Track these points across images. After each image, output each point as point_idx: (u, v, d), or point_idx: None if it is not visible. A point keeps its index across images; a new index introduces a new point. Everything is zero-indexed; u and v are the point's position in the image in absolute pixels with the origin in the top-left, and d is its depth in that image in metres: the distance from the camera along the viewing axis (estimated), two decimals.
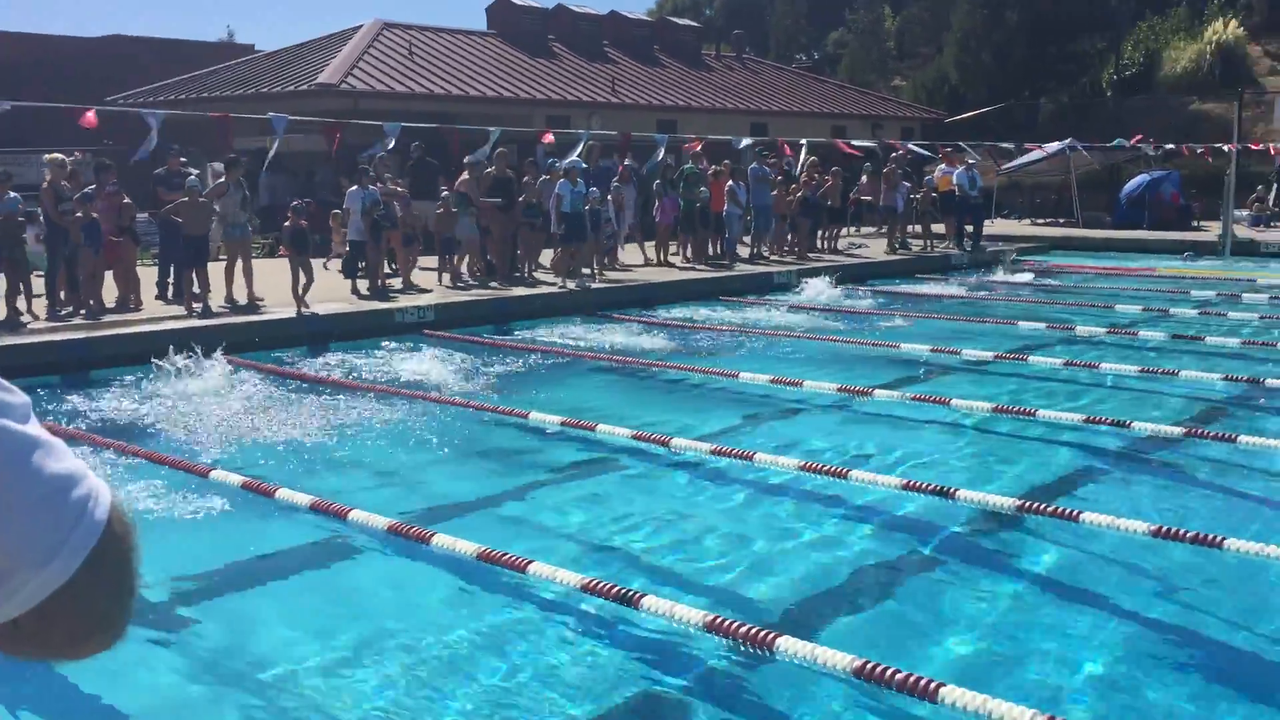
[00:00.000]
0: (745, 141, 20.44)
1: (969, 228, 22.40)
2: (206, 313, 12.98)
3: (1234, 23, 39.39)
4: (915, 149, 24.30)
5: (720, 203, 19.57)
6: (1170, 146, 26.89)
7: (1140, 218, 26.49)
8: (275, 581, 5.96)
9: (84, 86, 26.32)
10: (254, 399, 9.87)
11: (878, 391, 9.70)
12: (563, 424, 8.58)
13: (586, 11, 32.94)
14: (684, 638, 4.87)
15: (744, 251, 20.32)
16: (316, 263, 14.39)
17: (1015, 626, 5.20)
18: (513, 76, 27.37)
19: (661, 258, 19.52)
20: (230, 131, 15.29)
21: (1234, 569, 5.65)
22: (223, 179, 14.21)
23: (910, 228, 23.08)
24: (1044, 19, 37.75)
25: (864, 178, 23.36)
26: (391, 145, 15.85)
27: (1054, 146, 27.72)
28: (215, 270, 13.82)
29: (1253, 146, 26.27)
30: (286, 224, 13.80)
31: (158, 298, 14.38)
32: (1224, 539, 5.44)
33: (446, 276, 16.01)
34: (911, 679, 3.95)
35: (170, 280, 14.60)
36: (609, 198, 18.12)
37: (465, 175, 16.22)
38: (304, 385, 10.45)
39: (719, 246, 20.14)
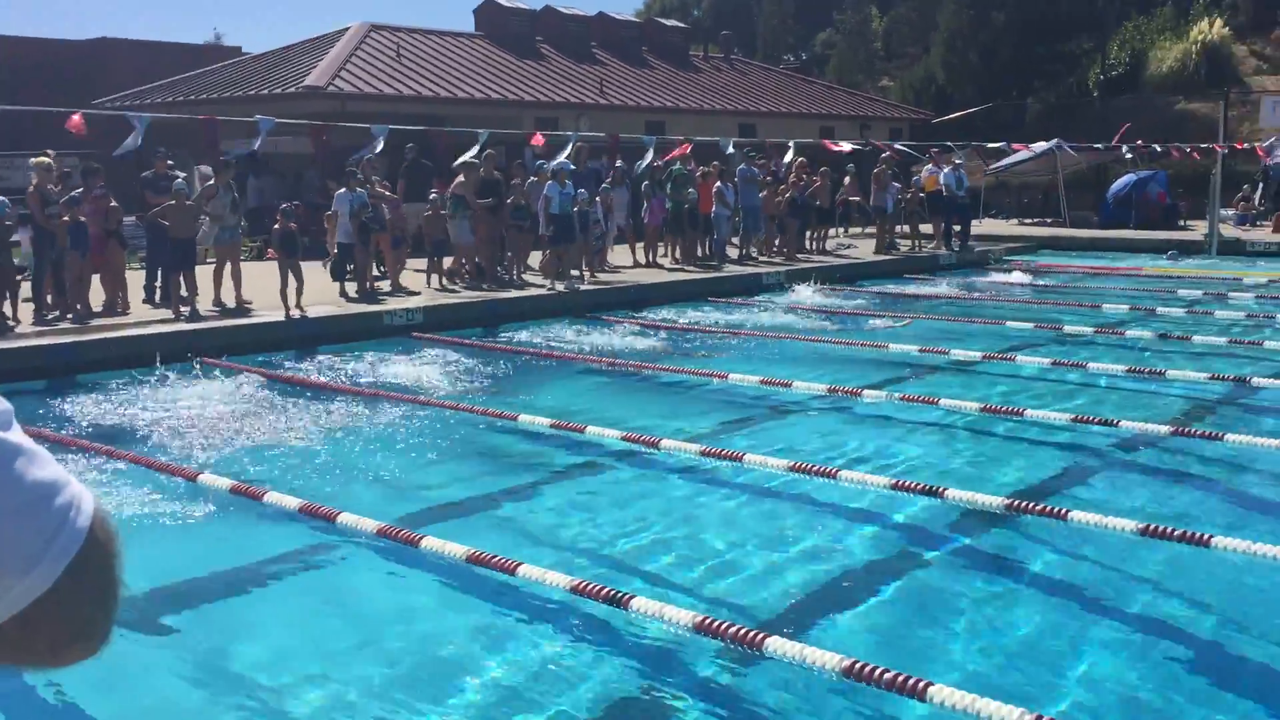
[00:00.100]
0: (731, 149, 20.41)
1: (956, 228, 22.46)
2: (194, 316, 12.94)
3: (1219, 22, 39.57)
4: (902, 149, 24.33)
5: (708, 204, 19.59)
6: (1157, 148, 26.96)
7: (1127, 217, 26.60)
8: (264, 585, 5.95)
9: (71, 89, 26.23)
10: (242, 403, 9.84)
11: (867, 392, 9.72)
12: (552, 426, 8.58)
13: (574, 13, 32.93)
14: (674, 639, 4.88)
15: (732, 253, 20.34)
16: (314, 264, 14.34)
17: (1004, 625, 5.22)
18: (501, 78, 27.35)
19: (650, 259, 19.52)
20: (217, 134, 15.24)
21: (1222, 567, 5.67)
22: (211, 181, 14.17)
23: (898, 228, 23.12)
24: (1031, 19, 37.86)
25: (846, 179, 23.38)
26: (379, 148, 15.81)
27: (1041, 146, 27.81)
28: (203, 273, 13.79)
29: (1238, 146, 26.39)
30: (276, 227, 13.76)
31: (145, 301, 14.33)
32: (1211, 537, 5.47)
33: (435, 279, 15.99)
34: (900, 678, 3.96)
35: (158, 284, 14.56)
36: (597, 199, 18.12)
37: (461, 178, 16.20)
38: (292, 388, 10.42)
39: (707, 248, 20.16)
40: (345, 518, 6.15)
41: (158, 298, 14.39)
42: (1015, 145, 27.50)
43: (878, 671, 4.02)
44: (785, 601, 5.51)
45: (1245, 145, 26.96)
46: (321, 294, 14.09)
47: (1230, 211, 26.72)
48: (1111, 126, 31.71)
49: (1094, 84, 40.19)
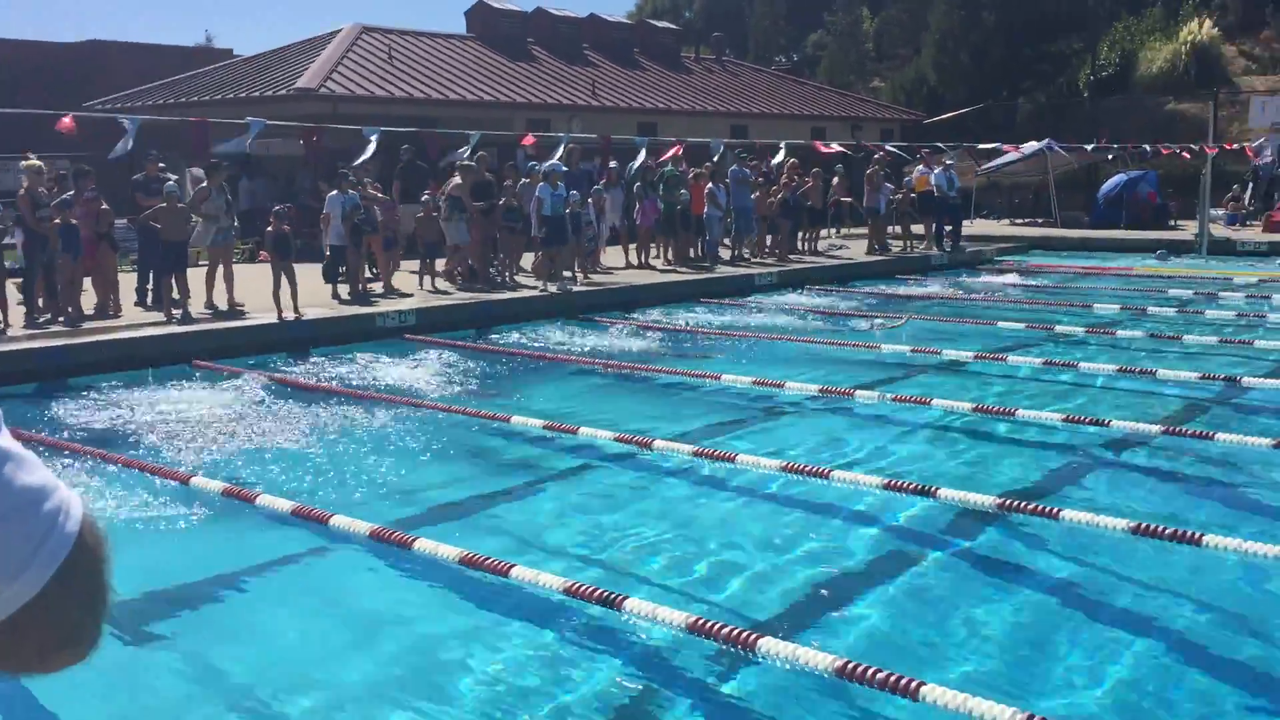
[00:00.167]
0: (719, 151, 20.40)
1: (948, 228, 22.50)
2: (186, 319, 12.91)
3: (1209, 23, 39.67)
4: (892, 150, 24.36)
5: (701, 205, 19.61)
6: (1146, 149, 27.03)
7: (1118, 217, 26.66)
8: (256, 588, 5.94)
9: (63, 92, 26.19)
10: (235, 405, 9.83)
11: (859, 392, 9.74)
12: (545, 427, 8.58)
13: (566, 14, 32.93)
14: (667, 640, 4.88)
15: (725, 254, 20.35)
16: (306, 265, 14.32)
17: (995, 624, 5.23)
18: (492, 80, 27.34)
19: (643, 260, 19.54)
20: (207, 136, 15.21)
21: (1212, 565, 5.69)
22: (204, 184, 14.14)
23: (890, 229, 23.16)
24: (1021, 20, 37.93)
25: (835, 179, 23.39)
26: (371, 152, 15.78)
27: (1031, 147, 27.86)
28: (195, 276, 13.76)
29: (1227, 147, 26.46)
30: (269, 229, 13.73)
31: (137, 304, 14.29)
32: (1202, 535, 5.49)
33: (428, 280, 15.98)
34: (893, 678, 3.97)
35: (149, 286, 14.52)
36: (589, 200, 18.13)
37: (458, 179, 16.19)
38: (285, 391, 10.40)
39: (700, 249, 20.17)
40: (338, 520, 6.15)
41: (149, 300, 14.35)
42: (1006, 146, 27.55)
43: (870, 671, 4.03)
44: (778, 602, 5.52)
45: (1235, 146, 27.03)
46: (314, 296, 14.07)
47: (1220, 211, 26.79)
48: (1101, 127, 31.79)
49: (1084, 84, 40.29)
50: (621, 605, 4.79)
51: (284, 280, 13.16)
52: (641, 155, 19.15)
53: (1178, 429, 8.33)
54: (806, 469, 7.03)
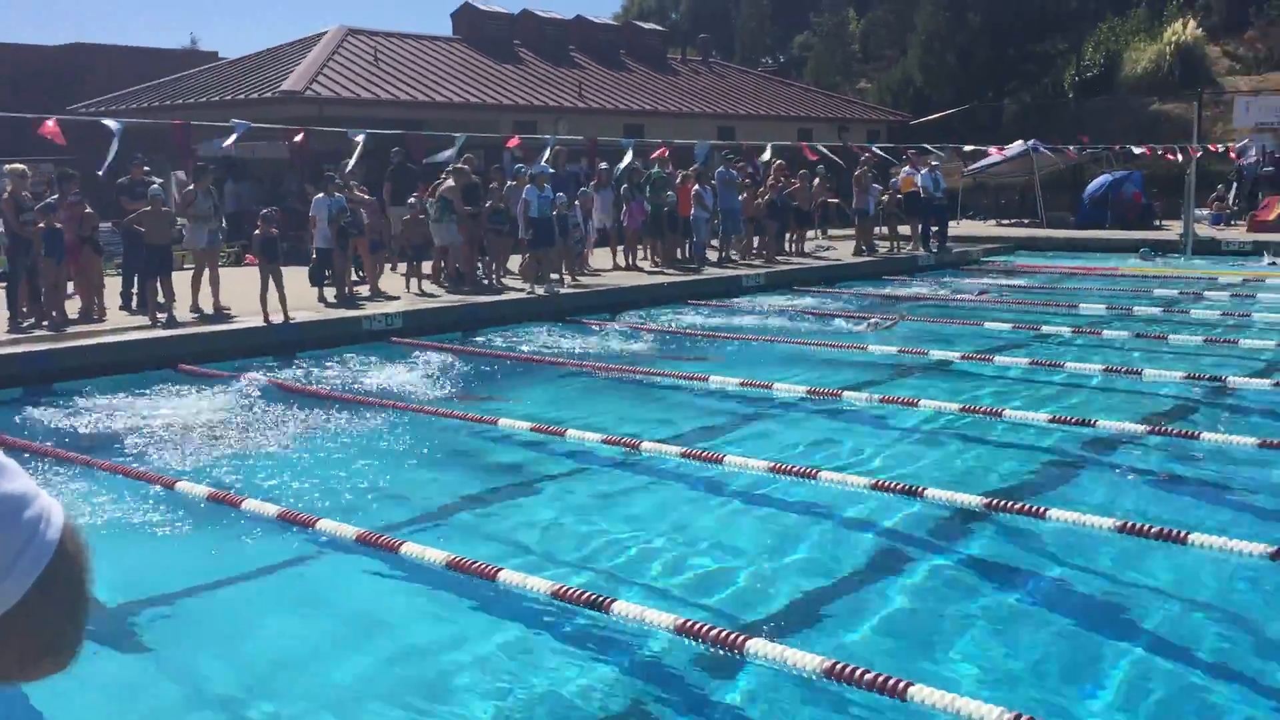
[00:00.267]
0: (703, 155, 20.41)
1: (934, 229, 22.55)
2: (171, 323, 12.86)
3: (1193, 23, 39.87)
4: (878, 152, 24.40)
5: (687, 207, 19.62)
6: (1134, 150, 27.13)
7: (1103, 217, 26.77)
8: (242, 593, 5.91)
9: (47, 95, 26.07)
10: (221, 409, 9.80)
11: (846, 393, 9.76)
12: (532, 430, 8.57)
13: (552, 16, 32.91)
14: (655, 642, 4.88)
15: (712, 255, 20.37)
16: (292, 269, 14.27)
17: (983, 624, 5.24)
18: (479, 82, 27.32)
19: (630, 262, 19.54)
20: (190, 139, 15.16)
21: (1198, 563, 5.72)
22: (190, 187, 14.10)
23: (876, 229, 23.20)
24: (1006, 21, 38.06)
25: (815, 180, 23.39)
26: (356, 158, 15.73)
27: (1015, 148, 27.95)
28: (181, 279, 13.71)
29: (1211, 149, 26.59)
30: (256, 232, 13.68)
31: (122, 308, 14.24)
32: (1188, 534, 5.52)
33: (414, 283, 15.95)
34: (880, 678, 3.98)
35: (134, 290, 14.46)
36: (576, 202, 18.12)
37: (450, 181, 16.16)
38: (271, 395, 10.37)
39: (687, 250, 20.18)
40: (324, 524, 6.14)
41: (135, 304, 14.30)
42: (991, 150, 27.63)
43: (858, 672, 4.04)
44: (767, 603, 5.52)
45: (1219, 148, 27.17)
46: (300, 299, 14.02)
47: (1205, 211, 26.92)
48: (1086, 127, 31.90)
49: (1069, 85, 40.45)
50: (609, 608, 4.79)
51: (271, 284, 13.11)
52: (628, 157, 19.15)
53: (1164, 428, 8.38)
54: (794, 469, 7.04)
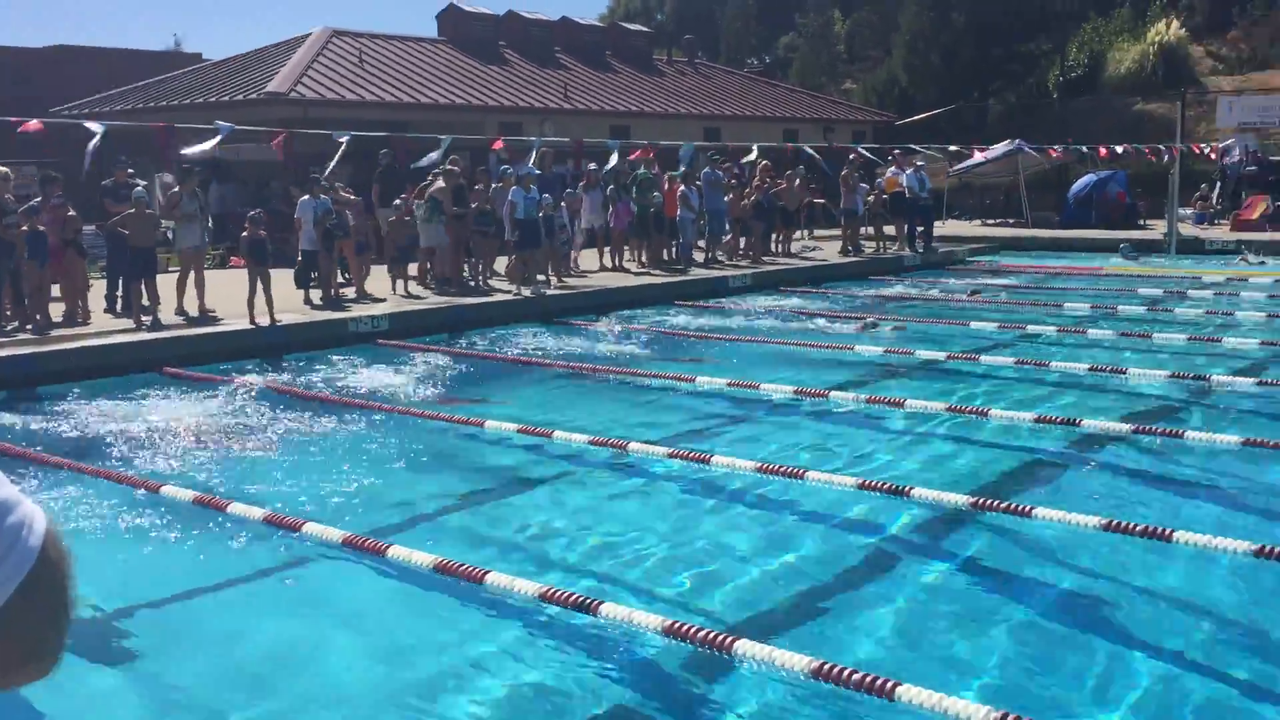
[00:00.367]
0: (687, 158, 20.40)
1: (920, 229, 22.60)
2: (156, 325, 12.81)
3: (1176, 24, 40.06)
4: (863, 152, 24.43)
5: (674, 208, 19.63)
6: (1119, 150, 27.24)
7: (1088, 217, 26.88)
8: (228, 597, 5.89)
9: (28, 97, 25.93)
10: (207, 413, 9.75)
11: (833, 393, 9.77)
12: (519, 431, 8.56)
13: (538, 17, 32.88)
14: (642, 643, 4.87)
15: (698, 256, 20.38)
16: (278, 271, 14.21)
17: (970, 622, 5.25)
18: (464, 83, 27.28)
19: (617, 263, 19.54)
20: (173, 141, 15.10)
21: (1184, 561, 5.75)
22: (176, 190, 14.03)
23: (862, 230, 23.24)
24: (990, 21, 38.19)
25: (796, 181, 23.39)
26: (336, 160, 15.68)
27: (1000, 149, 28.03)
28: (165, 282, 13.65)
29: (1194, 149, 26.72)
30: (244, 234, 13.60)
31: (106, 311, 14.17)
32: (1174, 532, 5.54)
33: (400, 285, 15.92)
34: (868, 678, 3.98)
35: (119, 293, 14.39)
36: (562, 204, 18.11)
37: (440, 182, 16.13)
38: (257, 397, 10.33)
39: (673, 251, 20.19)
40: (311, 527, 6.12)
41: (119, 307, 14.23)
42: (977, 152, 27.68)
43: (846, 672, 4.04)
44: (753, 603, 5.53)
45: (1202, 148, 27.31)
46: (286, 301, 13.97)
47: (1189, 210, 27.05)
48: (1071, 127, 32.01)
49: (1053, 85, 40.61)
50: (597, 610, 4.78)
51: (259, 286, 13.05)
52: (614, 158, 19.15)
53: (1147, 427, 8.41)
54: (781, 469, 7.05)
